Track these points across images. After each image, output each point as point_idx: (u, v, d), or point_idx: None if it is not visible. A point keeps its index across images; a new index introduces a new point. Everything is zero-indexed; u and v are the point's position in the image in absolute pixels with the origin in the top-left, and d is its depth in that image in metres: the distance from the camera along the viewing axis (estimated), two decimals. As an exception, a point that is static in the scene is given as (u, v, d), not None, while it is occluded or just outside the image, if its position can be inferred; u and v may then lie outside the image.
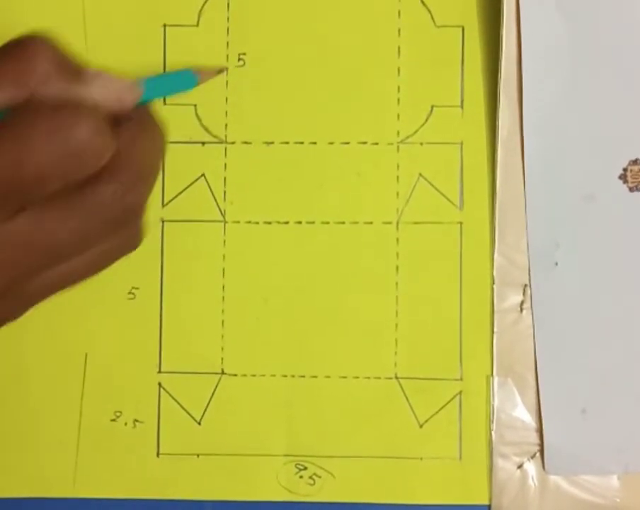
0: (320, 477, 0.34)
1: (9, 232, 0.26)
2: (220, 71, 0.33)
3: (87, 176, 0.26)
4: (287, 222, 0.34)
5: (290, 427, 0.34)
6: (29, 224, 0.26)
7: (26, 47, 0.27)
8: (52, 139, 0.25)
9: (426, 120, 0.34)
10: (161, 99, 0.34)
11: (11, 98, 0.26)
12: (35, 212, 0.26)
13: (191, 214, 0.34)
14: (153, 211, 0.34)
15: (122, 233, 0.29)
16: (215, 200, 0.34)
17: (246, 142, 0.34)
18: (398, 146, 0.34)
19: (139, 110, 0.29)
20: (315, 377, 0.34)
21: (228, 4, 0.34)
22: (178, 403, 0.34)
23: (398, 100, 0.34)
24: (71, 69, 0.28)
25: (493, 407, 0.34)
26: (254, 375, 0.34)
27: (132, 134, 0.28)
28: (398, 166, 0.34)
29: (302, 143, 0.34)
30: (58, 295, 0.34)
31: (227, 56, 0.34)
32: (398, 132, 0.34)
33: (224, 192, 0.34)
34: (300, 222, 0.34)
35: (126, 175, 0.27)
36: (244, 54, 0.34)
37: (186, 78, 0.33)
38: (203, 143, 0.34)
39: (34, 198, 0.26)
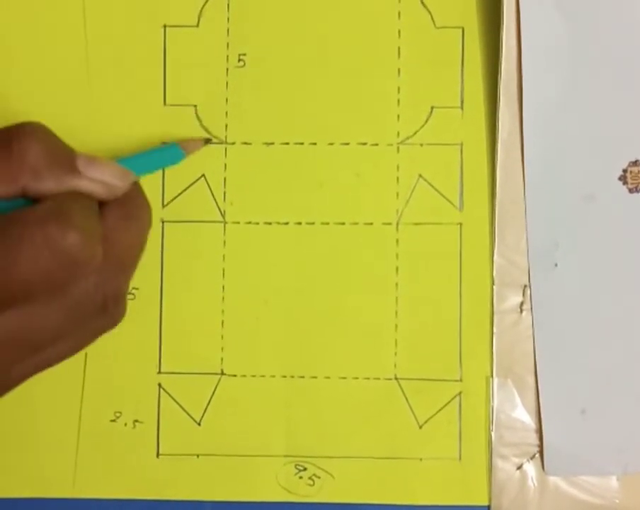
0: (319, 477, 0.34)
1: None
2: (207, 141, 0.33)
3: None
4: (286, 223, 0.34)
5: (290, 428, 0.34)
6: (14, 322, 0.26)
7: (17, 139, 0.26)
8: (39, 253, 0.25)
9: (426, 121, 0.34)
10: (161, 99, 0.34)
11: (1, 195, 0.26)
12: (20, 310, 0.26)
13: (191, 214, 0.34)
14: (153, 211, 0.34)
15: (102, 318, 0.29)
16: (215, 200, 0.34)
17: (246, 143, 0.34)
18: (398, 147, 0.34)
19: (130, 192, 0.29)
20: (315, 377, 0.34)
21: (228, 5, 0.34)
22: (178, 403, 0.34)
23: (398, 101, 0.34)
24: (63, 159, 0.27)
25: (492, 408, 0.34)
26: (254, 376, 0.34)
27: (118, 220, 0.28)
28: (398, 167, 0.34)
29: (302, 144, 0.34)
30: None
31: (227, 56, 0.34)
32: (398, 133, 0.34)
33: (224, 192, 0.34)
34: (300, 223, 0.34)
35: (109, 265, 0.28)
36: (244, 54, 0.34)
37: (173, 153, 0.33)
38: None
39: (19, 301, 0.26)
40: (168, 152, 0.33)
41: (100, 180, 0.28)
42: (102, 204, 0.28)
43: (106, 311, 0.28)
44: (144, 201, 0.30)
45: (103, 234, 0.27)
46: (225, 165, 0.34)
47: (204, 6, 0.34)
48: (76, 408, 0.34)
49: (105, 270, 0.28)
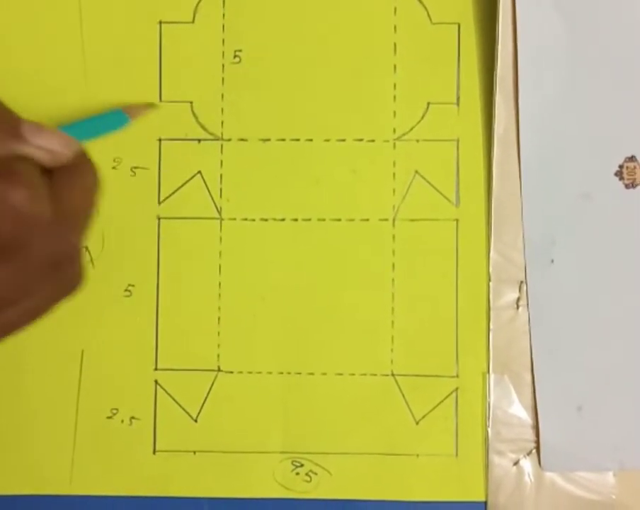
0: (316, 473, 0.34)
1: None
2: (150, 106, 0.33)
3: None
4: (283, 219, 0.34)
5: (286, 424, 0.34)
6: None
7: None
8: None
9: (422, 117, 0.34)
10: (157, 96, 0.34)
11: None
12: None
13: (187, 211, 0.34)
14: (149, 208, 0.34)
15: (57, 279, 0.29)
16: (211, 197, 0.34)
17: (242, 139, 0.34)
18: (394, 144, 0.34)
19: (75, 156, 0.29)
20: (311, 374, 0.34)
21: (223, 1, 0.34)
22: (175, 400, 0.34)
23: (395, 97, 0.34)
24: (8, 125, 0.28)
25: (489, 404, 0.34)
26: (250, 372, 0.34)
27: (64, 181, 0.28)
28: (394, 163, 0.34)
29: (298, 140, 0.34)
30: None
31: (223, 53, 0.34)
32: (394, 129, 0.34)
33: (220, 189, 0.34)
34: (296, 219, 0.34)
35: (58, 223, 0.28)
36: (240, 50, 0.34)
37: (117, 118, 0.33)
38: (199, 140, 0.34)
39: None
40: (112, 118, 0.33)
41: (45, 147, 0.28)
42: (49, 170, 0.29)
43: (60, 270, 0.28)
44: (90, 165, 0.30)
45: (51, 195, 0.28)
46: (221, 161, 0.34)
47: (199, 2, 0.34)
48: (73, 405, 0.34)
49: (55, 230, 0.28)
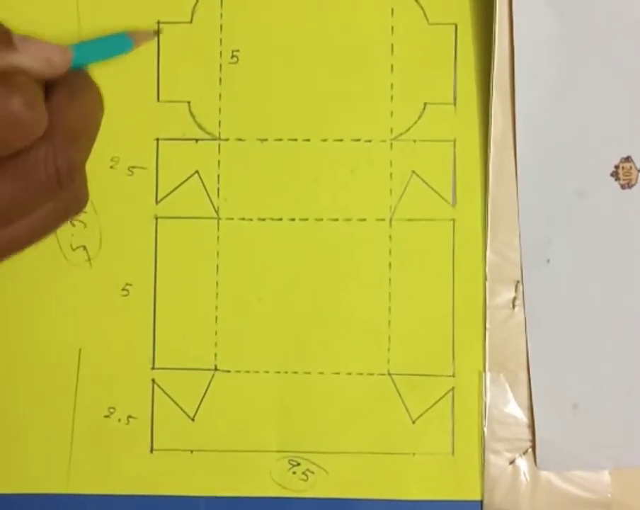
0: (313, 472, 0.34)
1: None
2: (155, 33, 0.33)
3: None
4: (280, 219, 0.34)
5: (283, 423, 0.34)
6: None
7: None
8: None
9: (419, 117, 0.34)
10: (155, 96, 0.34)
11: None
12: None
13: (185, 211, 0.34)
14: (146, 207, 0.34)
15: (61, 196, 0.29)
16: (209, 196, 0.34)
17: (239, 139, 0.34)
18: (391, 144, 0.34)
19: (75, 75, 0.30)
20: (308, 373, 0.34)
21: (221, 1, 0.34)
22: (172, 399, 0.34)
23: (392, 97, 0.34)
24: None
25: (485, 403, 0.34)
26: (247, 372, 0.34)
27: (63, 97, 0.29)
28: (391, 163, 0.34)
29: (296, 140, 0.34)
30: (52, 291, 0.34)
31: (220, 53, 0.34)
32: (391, 129, 0.34)
33: (218, 189, 0.34)
34: (294, 219, 0.34)
35: (57, 137, 0.28)
36: (237, 50, 0.34)
37: (121, 42, 0.33)
38: (197, 140, 0.34)
39: None
40: (116, 41, 0.33)
41: (38, 55, 0.28)
42: (47, 87, 0.29)
43: (61, 185, 0.29)
44: (91, 82, 0.30)
45: (50, 108, 0.28)
46: (219, 161, 0.34)
47: (197, 2, 0.34)
48: (70, 403, 0.34)
49: (55, 142, 0.28)
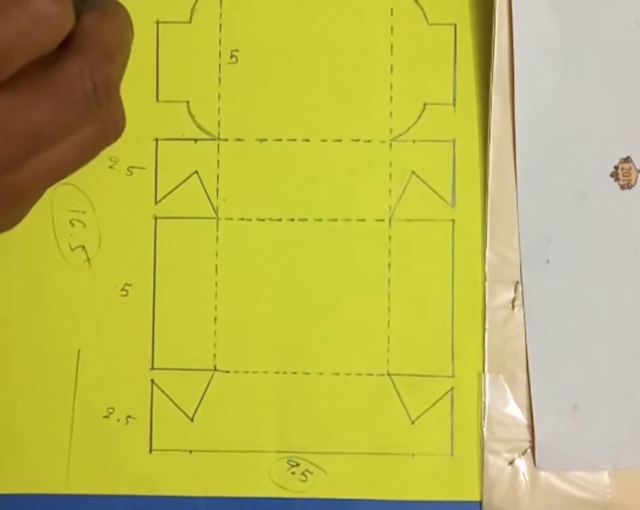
0: (312, 473, 0.34)
1: None
2: None
3: (51, 54, 0.27)
4: (279, 219, 0.34)
5: (282, 423, 0.34)
6: (1, 107, 0.27)
7: None
8: (9, 11, 0.25)
9: (419, 118, 0.34)
10: (154, 96, 0.34)
11: None
12: (4, 94, 0.26)
13: (184, 211, 0.34)
14: (146, 208, 0.34)
15: (100, 115, 0.29)
16: (208, 197, 0.34)
17: (238, 139, 0.34)
18: (390, 144, 0.34)
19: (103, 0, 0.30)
20: (307, 373, 0.34)
21: (220, 1, 0.34)
22: (171, 399, 0.34)
23: (391, 97, 0.34)
24: None
25: (484, 404, 0.34)
26: (246, 372, 0.34)
27: (93, 17, 0.29)
28: (390, 164, 0.34)
29: (295, 140, 0.34)
30: (50, 291, 0.34)
31: (220, 52, 0.34)
32: (390, 130, 0.34)
33: (217, 189, 0.34)
34: (293, 219, 0.34)
35: (90, 53, 0.28)
36: (237, 50, 0.34)
37: None
38: (196, 140, 0.34)
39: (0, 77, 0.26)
40: None
41: None
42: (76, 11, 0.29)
43: (99, 103, 0.29)
44: (120, 4, 0.30)
45: (81, 27, 0.28)
46: (218, 161, 0.34)
47: (196, 2, 0.34)
48: (69, 404, 0.34)
49: (90, 58, 0.28)
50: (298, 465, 0.34)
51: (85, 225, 0.34)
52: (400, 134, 0.34)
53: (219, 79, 0.34)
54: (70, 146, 0.29)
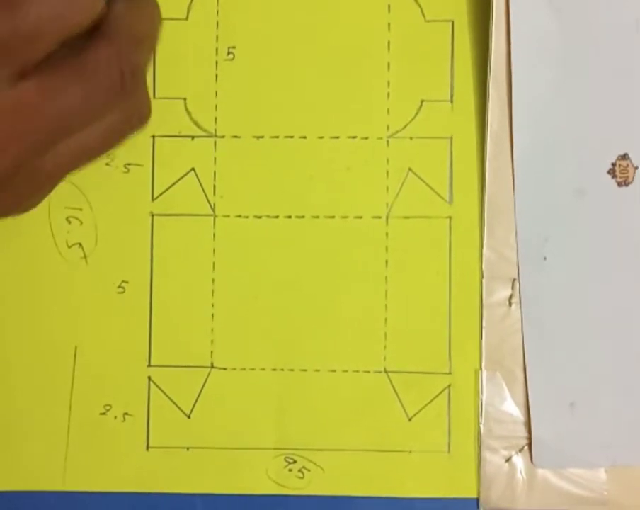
0: (309, 470, 0.34)
1: (13, 100, 0.27)
2: None
3: (81, 39, 0.27)
4: (276, 216, 0.34)
5: (280, 421, 0.34)
6: (32, 90, 0.27)
7: None
8: None
9: (416, 115, 0.34)
10: (152, 92, 0.34)
11: None
12: (36, 78, 0.27)
13: (181, 208, 0.34)
14: (142, 205, 0.34)
15: (126, 102, 0.29)
16: (205, 194, 0.34)
17: (235, 136, 0.34)
18: (387, 141, 0.34)
19: None
20: (304, 370, 0.34)
21: (217, -2, 0.34)
22: (168, 396, 0.34)
23: (388, 94, 0.34)
24: None
25: (481, 401, 0.34)
26: (244, 369, 0.34)
27: (122, 4, 0.29)
28: (387, 161, 0.34)
29: (292, 137, 0.34)
30: (47, 288, 0.34)
31: (217, 49, 0.34)
32: (387, 127, 0.34)
33: (214, 186, 0.34)
34: (290, 217, 0.34)
35: (119, 40, 0.28)
36: (234, 47, 0.34)
37: None
38: (193, 137, 0.34)
39: (32, 58, 0.26)
40: None
41: None
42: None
43: (126, 90, 0.29)
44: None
45: (110, 15, 0.28)
46: (215, 158, 0.34)
47: (193, -2, 0.34)
48: (66, 401, 0.34)
49: (118, 45, 0.28)
50: (295, 462, 0.34)
51: (82, 222, 0.34)
52: (397, 131, 0.34)
53: (216, 76, 0.34)
54: (96, 131, 0.29)
